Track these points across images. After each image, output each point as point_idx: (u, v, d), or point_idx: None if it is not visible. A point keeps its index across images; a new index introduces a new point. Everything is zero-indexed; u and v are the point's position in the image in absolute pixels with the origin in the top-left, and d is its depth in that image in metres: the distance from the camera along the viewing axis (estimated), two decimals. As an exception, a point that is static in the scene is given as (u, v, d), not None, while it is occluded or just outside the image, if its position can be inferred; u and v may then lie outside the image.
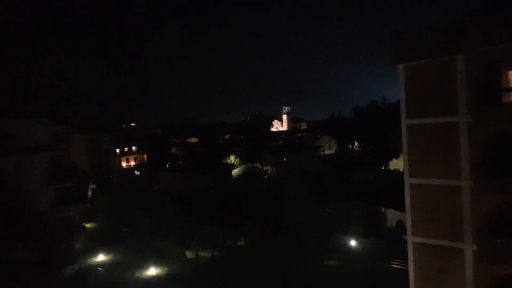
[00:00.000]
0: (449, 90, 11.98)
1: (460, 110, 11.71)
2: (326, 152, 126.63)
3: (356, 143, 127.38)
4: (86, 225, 62.69)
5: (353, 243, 51.49)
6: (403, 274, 16.21)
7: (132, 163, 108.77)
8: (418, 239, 12.83)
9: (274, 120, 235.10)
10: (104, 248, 54.46)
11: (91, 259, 52.21)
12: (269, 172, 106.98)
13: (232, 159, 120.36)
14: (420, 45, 13.55)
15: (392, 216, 55.33)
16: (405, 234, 13.41)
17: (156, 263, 48.50)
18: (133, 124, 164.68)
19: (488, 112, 11.80)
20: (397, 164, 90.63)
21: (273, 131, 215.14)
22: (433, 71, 12.32)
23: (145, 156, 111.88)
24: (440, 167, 12.04)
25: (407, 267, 13.62)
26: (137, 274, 46.70)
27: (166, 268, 47.74)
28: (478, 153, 11.74)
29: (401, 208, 47.14)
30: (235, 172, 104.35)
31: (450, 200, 11.94)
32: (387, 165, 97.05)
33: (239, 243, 54.98)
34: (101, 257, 52.62)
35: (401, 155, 33.94)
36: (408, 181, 12.84)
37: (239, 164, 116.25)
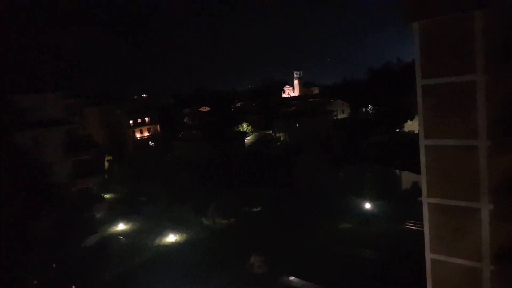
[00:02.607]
0: (466, 48, 11.57)
1: (478, 69, 11.34)
2: (339, 117, 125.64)
3: (370, 106, 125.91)
4: (104, 195, 64.14)
5: (367, 205, 51.84)
6: (419, 235, 16.29)
7: (146, 134, 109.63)
8: (434, 200, 12.77)
9: (285, 86, 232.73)
10: (123, 218, 55.94)
11: (111, 228, 53.74)
12: (282, 138, 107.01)
13: (244, 127, 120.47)
14: (436, 0, 13.01)
15: (407, 178, 55.28)
16: (420, 196, 13.34)
17: (175, 230, 49.71)
18: (144, 95, 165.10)
19: (506, 69, 11.44)
20: (412, 126, 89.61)
21: (284, 97, 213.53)
22: (450, 28, 11.86)
23: (158, 126, 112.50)
24: (456, 127, 11.81)
25: (422, 228, 13.64)
26: (157, 241, 48.04)
27: (185, 235, 48.93)
28: (495, 112, 11.45)
29: (416, 170, 46.94)
30: (248, 139, 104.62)
31: (466, 161, 11.78)
32: (401, 127, 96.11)
33: (254, 209, 55.80)
34: (121, 226, 54.11)
35: (416, 117, 33.38)
36: (423, 143, 12.65)
37: (252, 131, 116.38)
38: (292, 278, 36.45)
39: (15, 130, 41.82)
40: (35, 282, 30.47)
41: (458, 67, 12.33)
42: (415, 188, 51.20)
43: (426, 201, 13.66)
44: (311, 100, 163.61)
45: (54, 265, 32.00)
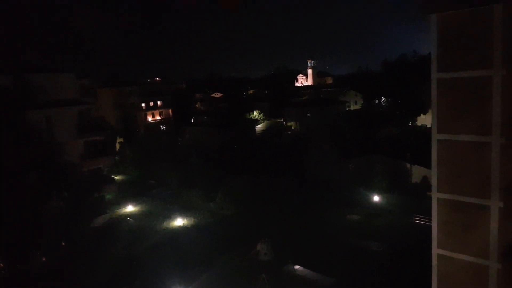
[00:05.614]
0: (484, 42, 11.31)
1: (495, 63, 11.09)
2: (352, 107, 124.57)
3: (383, 98, 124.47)
4: (115, 177, 64.80)
5: (376, 198, 51.63)
6: (426, 229, 16.22)
7: (158, 117, 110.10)
8: (443, 195, 12.64)
9: (298, 74, 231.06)
10: (132, 200, 56.52)
11: (120, 209, 54.36)
12: (293, 127, 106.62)
13: (256, 114, 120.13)
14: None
15: (417, 172, 54.86)
16: (430, 190, 13.21)
17: (183, 214, 50.12)
18: (157, 79, 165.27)
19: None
20: (425, 120, 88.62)
21: (297, 86, 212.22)
22: (468, 21, 11.59)
23: (170, 111, 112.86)
24: (470, 122, 11.62)
25: (430, 223, 13.55)
26: (165, 224, 48.52)
27: (193, 219, 49.32)
28: (510, 109, 11.23)
29: (427, 164, 46.47)
30: (258, 127, 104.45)
31: (478, 157, 11.61)
32: (414, 120, 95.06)
33: (262, 197, 55.89)
34: (130, 208, 54.72)
35: (429, 111, 33.01)
36: (435, 137, 12.49)
37: (263, 119, 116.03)
38: (297, 266, 36.64)
39: (29, 109, 42.29)
40: (44, 259, 31.12)
41: (475, 61, 12.04)
42: (425, 183, 50.86)
43: (435, 196, 13.52)
44: (324, 89, 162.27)
45: (63, 244, 32.59)
